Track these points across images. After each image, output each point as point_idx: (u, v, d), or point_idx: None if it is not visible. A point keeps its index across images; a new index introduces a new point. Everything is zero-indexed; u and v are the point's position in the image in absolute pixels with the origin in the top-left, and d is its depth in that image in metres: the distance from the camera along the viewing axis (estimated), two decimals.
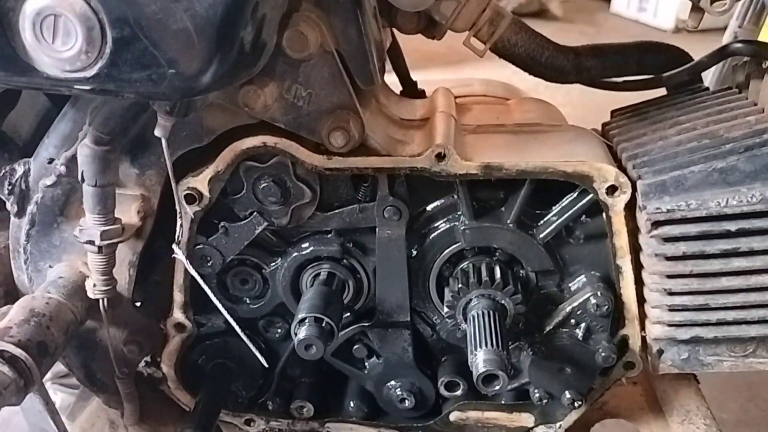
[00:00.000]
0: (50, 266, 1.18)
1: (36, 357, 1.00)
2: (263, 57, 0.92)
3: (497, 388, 1.00)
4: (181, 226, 1.08)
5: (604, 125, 1.30)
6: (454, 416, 1.29)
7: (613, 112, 1.36)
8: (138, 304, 1.24)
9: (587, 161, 1.07)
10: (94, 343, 1.24)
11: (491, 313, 1.08)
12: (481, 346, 1.02)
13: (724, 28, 1.75)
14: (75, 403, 1.44)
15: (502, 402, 1.29)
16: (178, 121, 0.97)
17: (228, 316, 1.06)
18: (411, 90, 1.42)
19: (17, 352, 0.98)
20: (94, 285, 1.11)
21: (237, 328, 1.07)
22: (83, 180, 1.04)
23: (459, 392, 1.28)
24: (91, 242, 1.07)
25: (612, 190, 1.08)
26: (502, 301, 1.12)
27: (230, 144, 1.10)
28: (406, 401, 1.29)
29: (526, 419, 1.29)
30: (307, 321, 1.08)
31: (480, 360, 1.00)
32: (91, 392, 1.31)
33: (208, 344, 1.30)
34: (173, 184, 1.03)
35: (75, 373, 1.28)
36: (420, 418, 1.32)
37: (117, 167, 1.07)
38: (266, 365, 1.05)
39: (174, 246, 1.06)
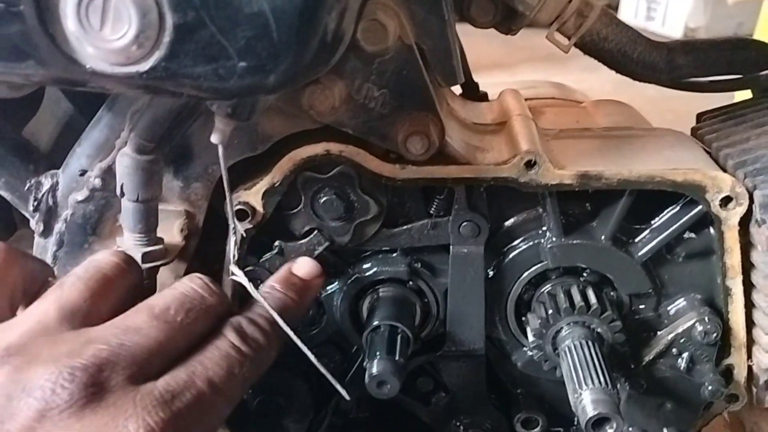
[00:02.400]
0: None
1: None
2: (340, 50, 0.79)
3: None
4: (237, 244, 0.93)
5: (694, 129, 1.17)
6: None
7: (699, 115, 1.23)
8: None
9: (700, 169, 0.94)
10: None
11: (591, 344, 0.94)
12: (586, 385, 0.88)
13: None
14: None
15: None
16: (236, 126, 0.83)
17: (302, 345, 0.91)
18: (472, 92, 1.28)
19: None
20: None
21: (311, 355, 0.92)
22: (123, 194, 0.90)
23: (537, 430, 1.14)
24: None
25: (726, 201, 0.94)
26: (599, 329, 0.99)
27: (287, 153, 0.97)
28: None
29: None
30: (379, 356, 0.94)
31: (588, 402, 0.87)
32: None
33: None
34: (228, 198, 0.89)
35: None
36: None
37: (161, 180, 0.93)
38: (347, 397, 0.91)
39: (232, 267, 0.92)
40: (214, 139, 0.83)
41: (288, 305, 0.90)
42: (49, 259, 1.03)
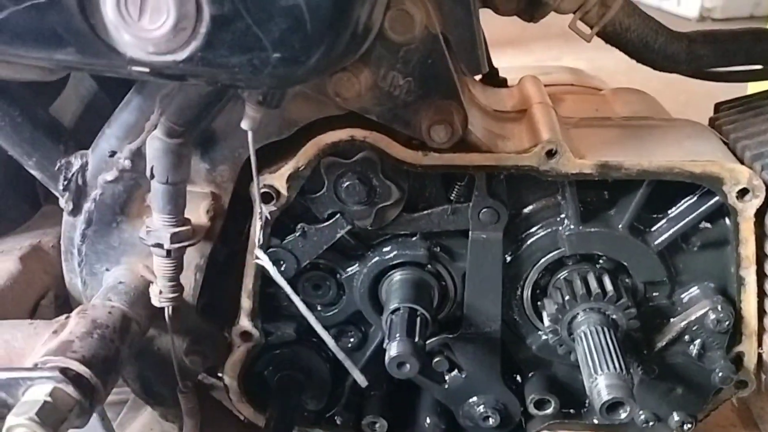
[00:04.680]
0: (107, 269, 1.07)
1: (101, 375, 0.89)
2: (368, 39, 0.81)
3: (623, 416, 0.89)
4: (262, 227, 0.96)
5: (712, 119, 1.18)
6: None
7: (717, 105, 1.24)
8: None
9: (717, 161, 0.95)
10: (152, 353, 1.14)
11: (606, 330, 0.97)
12: (601, 369, 0.91)
13: (750, 17, 1.62)
14: (124, 413, 1.34)
15: (596, 423, 1.18)
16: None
17: (319, 328, 0.94)
18: (492, 78, 1.29)
19: (82, 370, 0.87)
20: (161, 292, 0.99)
21: (332, 343, 0.95)
22: (153, 177, 0.93)
23: (549, 411, 1.17)
24: (160, 245, 0.95)
25: (743, 193, 0.96)
26: (614, 316, 1.01)
27: (312, 138, 0.99)
28: (491, 419, 1.18)
29: None
30: (399, 338, 0.97)
31: (602, 386, 0.89)
32: (147, 405, 1.20)
33: (276, 354, 1.19)
34: (256, 180, 0.91)
35: (130, 385, 1.18)
36: None
37: (189, 162, 0.95)
38: (364, 384, 0.94)
39: (257, 251, 0.95)
40: (245, 125, 0.85)
41: None
42: (77, 237, 1.06)
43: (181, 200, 0.95)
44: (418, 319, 1.01)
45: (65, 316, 0.98)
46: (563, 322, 1.02)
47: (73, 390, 0.85)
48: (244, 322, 1.12)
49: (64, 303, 1.14)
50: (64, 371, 0.86)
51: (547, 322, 1.04)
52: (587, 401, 1.19)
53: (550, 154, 0.96)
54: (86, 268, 1.08)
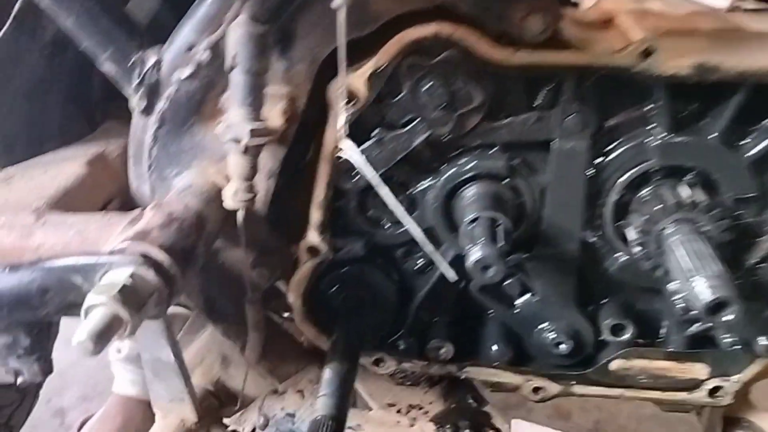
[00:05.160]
0: (177, 174, 1.05)
1: (181, 264, 0.87)
2: None
3: (730, 317, 0.84)
4: (347, 120, 0.92)
5: None
6: (615, 365, 1.14)
7: None
8: None
9: None
10: (217, 266, 1.11)
11: (700, 236, 0.92)
12: (703, 269, 0.86)
13: None
14: (182, 335, 1.31)
15: (673, 350, 1.13)
16: None
17: (416, 229, 0.90)
18: None
19: (162, 257, 0.85)
20: (235, 192, 0.97)
21: (421, 234, 0.91)
22: (232, 67, 0.90)
23: (626, 337, 1.13)
24: (237, 141, 0.93)
25: None
26: (706, 228, 0.96)
27: (394, 35, 0.95)
28: (563, 345, 1.14)
29: (699, 370, 1.14)
30: (483, 242, 0.93)
31: (704, 287, 0.85)
32: (209, 321, 1.18)
33: (343, 273, 1.15)
34: (342, 72, 0.88)
35: (193, 299, 1.15)
36: (573, 366, 1.18)
37: (269, 56, 0.92)
38: (454, 278, 0.90)
39: (343, 142, 0.91)
40: (335, 3, 0.82)
41: None
42: (148, 138, 1.03)
43: (261, 95, 0.92)
44: (500, 227, 0.98)
45: (138, 210, 0.95)
46: (652, 234, 0.98)
47: (153, 275, 0.83)
48: (313, 236, 1.09)
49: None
50: (144, 256, 0.83)
51: (633, 234, 1.00)
52: (664, 328, 1.15)
53: (646, 53, 0.92)
54: (156, 172, 1.05)
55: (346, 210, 1.11)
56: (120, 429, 1.95)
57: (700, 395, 1.15)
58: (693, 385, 1.15)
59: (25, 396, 1.67)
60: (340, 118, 0.92)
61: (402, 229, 1.12)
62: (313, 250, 1.11)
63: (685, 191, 0.97)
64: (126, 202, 1.12)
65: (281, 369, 1.21)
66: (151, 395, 1.15)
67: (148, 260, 0.83)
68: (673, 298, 0.93)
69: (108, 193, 1.12)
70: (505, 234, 0.97)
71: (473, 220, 0.99)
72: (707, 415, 1.21)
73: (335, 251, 1.12)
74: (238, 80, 0.90)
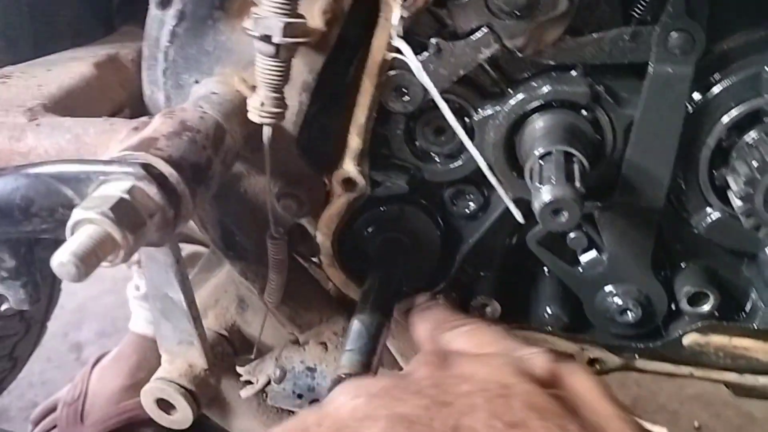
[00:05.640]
0: (196, 81, 0.89)
1: (190, 182, 0.72)
2: None
3: None
4: (401, 18, 0.75)
5: None
6: (689, 339, 0.98)
7: None
8: None
9: None
10: (238, 195, 0.96)
11: None
12: None
13: None
14: (196, 273, 1.18)
15: (761, 327, 0.97)
16: None
17: (480, 159, 0.75)
18: None
19: (168, 171, 0.70)
20: (261, 104, 0.81)
21: (488, 170, 0.76)
22: None
23: (707, 308, 0.96)
24: (268, 38, 0.76)
25: None
26: None
27: None
28: (630, 313, 0.98)
29: None
30: (555, 180, 0.76)
31: None
32: (225, 258, 1.03)
33: (381, 212, 1.00)
34: None
35: (208, 232, 1.01)
36: (639, 337, 1.02)
37: None
38: (521, 220, 0.75)
39: (397, 40, 0.75)
40: None
41: None
42: (165, 36, 0.88)
43: None
44: (575, 165, 0.81)
45: (146, 117, 0.80)
46: (761, 185, 0.80)
47: (156, 192, 0.68)
48: (349, 166, 0.93)
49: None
50: (146, 167, 0.68)
51: (739, 185, 0.83)
52: (751, 302, 0.98)
53: None
54: (172, 78, 0.90)
55: (391, 138, 0.95)
56: (134, 368, 1.86)
57: None
58: None
59: (30, 326, 1.56)
60: (394, 12, 0.76)
61: (455, 165, 0.96)
62: (348, 183, 0.95)
63: None
64: (138, 113, 0.97)
65: (303, 317, 1.07)
66: (157, 337, 1.02)
67: (152, 173, 0.68)
68: None
69: (118, 100, 0.97)
70: (581, 175, 0.80)
71: (544, 155, 0.82)
72: None
73: (374, 186, 0.96)
74: None
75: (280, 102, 0.81)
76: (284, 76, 0.80)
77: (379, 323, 0.86)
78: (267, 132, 0.83)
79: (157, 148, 0.72)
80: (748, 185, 0.81)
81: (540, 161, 0.82)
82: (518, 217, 0.76)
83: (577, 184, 0.77)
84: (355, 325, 0.85)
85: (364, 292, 0.97)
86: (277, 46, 0.77)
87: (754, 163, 0.81)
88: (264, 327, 1.10)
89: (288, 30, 0.76)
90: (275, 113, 0.81)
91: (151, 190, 0.68)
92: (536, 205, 0.77)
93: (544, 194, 0.76)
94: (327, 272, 1.04)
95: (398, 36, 0.75)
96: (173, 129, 0.75)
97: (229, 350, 1.11)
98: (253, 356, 1.12)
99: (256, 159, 0.89)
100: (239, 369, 1.14)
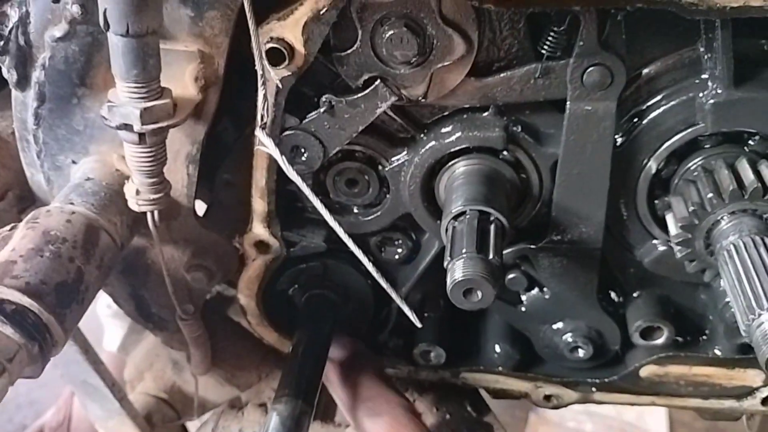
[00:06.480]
0: (73, 161, 0.81)
1: (55, 307, 0.65)
2: None
3: None
4: (266, 99, 0.66)
5: None
6: (647, 371, 0.92)
7: None
8: (202, 214, 0.88)
9: None
10: (145, 267, 0.89)
11: None
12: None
13: None
14: (127, 335, 1.12)
15: (719, 355, 0.90)
16: None
17: (343, 235, 0.68)
18: None
19: (25, 301, 0.63)
20: (138, 192, 0.73)
21: (358, 251, 0.70)
22: (107, 26, 0.63)
23: (661, 341, 0.89)
24: (128, 127, 0.68)
25: None
26: None
27: None
28: (580, 350, 0.91)
29: (752, 378, 0.91)
30: (466, 255, 0.68)
31: None
32: (146, 329, 0.97)
33: (302, 269, 0.93)
34: (252, 28, 0.61)
35: (122, 306, 0.94)
36: (595, 371, 0.95)
37: (160, 4, 0.65)
38: (419, 325, 0.69)
39: (258, 131, 0.66)
40: None
41: None
42: (30, 119, 0.79)
43: (152, 61, 0.66)
44: (492, 226, 0.73)
45: (10, 226, 0.72)
46: (700, 230, 0.72)
47: (13, 331, 0.61)
48: (258, 229, 0.86)
49: (31, 206, 0.89)
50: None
51: (674, 229, 0.74)
52: (707, 329, 0.91)
53: None
54: (48, 160, 0.82)
55: (301, 195, 0.86)
56: None
57: (752, 403, 0.93)
58: (743, 393, 0.92)
59: None
60: (260, 101, 0.66)
61: (375, 215, 0.88)
62: (261, 245, 0.88)
63: (746, 171, 0.70)
64: (25, 193, 0.88)
65: (240, 378, 1.02)
66: (90, 416, 0.97)
67: (6, 309, 0.61)
68: (728, 309, 0.70)
69: (2, 182, 0.88)
70: (499, 236, 0.72)
71: (458, 216, 0.74)
72: (758, 422, 0.99)
73: (290, 245, 0.89)
74: (115, 44, 0.65)
75: (159, 186, 0.73)
76: (158, 159, 0.72)
77: (300, 413, 0.79)
78: (151, 218, 0.75)
79: (14, 276, 0.64)
80: (686, 229, 0.73)
81: (454, 223, 0.74)
82: (416, 322, 0.69)
83: (491, 255, 0.69)
84: (273, 421, 0.78)
85: (292, 349, 0.90)
86: (141, 134, 0.68)
87: (691, 207, 0.72)
88: (206, 386, 1.04)
89: (147, 116, 0.67)
90: (155, 199, 0.73)
91: (7, 330, 0.61)
92: (447, 285, 0.69)
93: (454, 271, 0.69)
94: (258, 332, 0.97)
95: (260, 127, 0.66)
96: (34, 245, 0.67)
97: (171, 413, 1.06)
98: (195, 416, 1.07)
99: (159, 233, 0.81)
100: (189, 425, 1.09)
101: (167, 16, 0.70)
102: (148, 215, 0.75)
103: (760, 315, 0.61)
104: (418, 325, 0.70)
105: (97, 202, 0.75)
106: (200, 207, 0.93)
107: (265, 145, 0.66)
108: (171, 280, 0.85)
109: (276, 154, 0.64)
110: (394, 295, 0.74)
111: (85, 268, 0.69)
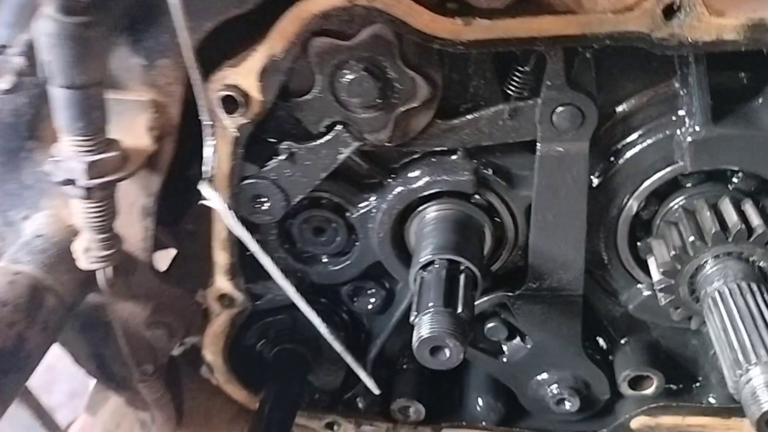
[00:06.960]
0: (25, 217, 0.77)
1: None
2: None
3: None
4: (215, 151, 0.63)
5: None
6: (638, 423, 0.87)
7: None
8: (163, 269, 0.83)
9: None
10: (105, 325, 0.84)
11: (756, 288, 0.62)
12: (756, 358, 0.57)
13: None
14: (94, 394, 1.06)
15: (713, 404, 0.85)
16: None
17: (290, 290, 0.64)
18: None
19: None
20: (87, 249, 0.69)
21: (315, 318, 0.65)
22: (49, 79, 0.60)
23: (650, 391, 0.84)
24: (72, 182, 0.64)
25: None
26: (762, 263, 0.66)
27: (291, 8, 0.64)
28: (567, 402, 0.86)
29: (750, 428, 0.85)
30: (433, 310, 0.64)
31: (761, 384, 0.56)
32: (108, 390, 0.92)
33: (270, 323, 0.88)
34: (195, 77, 0.58)
35: (83, 365, 0.89)
36: (583, 423, 0.90)
37: (105, 54, 0.62)
38: (377, 391, 0.65)
39: (203, 186, 0.62)
40: None
41: None
42: None
43: (98, 113, 0.64)
44: (462, 276, 0.69)
45: None
46: (683, 275, 0.68)
47: None
48: (221, 282, 0.82)
49: None
50: None
51: (656, 274, 0.70)
52: (700, 375, 0.86)
53: (670, 11, 0.60)
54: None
55: (265, 245, 0.82)
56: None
57: None
58: None
59: None
60: (205, 151, 0.63)
61: (345, 264, 0.84)
62: (225, 299, 0.83)
63: (730, 212, 0.66)
64: None
65: None
66: None
67: None
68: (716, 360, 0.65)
69: None
70: (469, 288, 0.68)
71: (426, 265, 0.70)
72: None
73: (255, 298, 0.84)
74: (58, 97, 0.62)
75: (110, 242, 0.69)
76: (107, 214, 0.68)
77: None
78: (101, 276, 0.71)
79: None
80: (668, 274, 0.69)
81: (422, 273, 0.70)
82: (374, 389, 0.64)
83: (460, 308, 0.65)
84: None
85: (259, 406, 0.86)
86: (87, 188, 0.64)
87: (672, 252, 0.68)
88: None
89: (94, 170, 0.64)
90: (105, 256, 0.69)
91: None
92: (414, 342, 0.65)
93: (420, 328, 0.64)
94: (226, 389, 0.92)
95: (206, 179, 0.62)
96: None
97: None
98: None
99: (114, 289, 0.77)
100: None
101: (118, 65, 0.68)
102: (99, 273, 0.71)
103: (748, 370, 0.57)
104: (376, 392, 0.66)
105: (46, 260, 0.71)
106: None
107: (208, 197, 0.62)
108: (131, 339, 0.80)
109: (220, 207, 0.60)
110: (348, 359, 0.70)
111: (26, 333, 0.65)
